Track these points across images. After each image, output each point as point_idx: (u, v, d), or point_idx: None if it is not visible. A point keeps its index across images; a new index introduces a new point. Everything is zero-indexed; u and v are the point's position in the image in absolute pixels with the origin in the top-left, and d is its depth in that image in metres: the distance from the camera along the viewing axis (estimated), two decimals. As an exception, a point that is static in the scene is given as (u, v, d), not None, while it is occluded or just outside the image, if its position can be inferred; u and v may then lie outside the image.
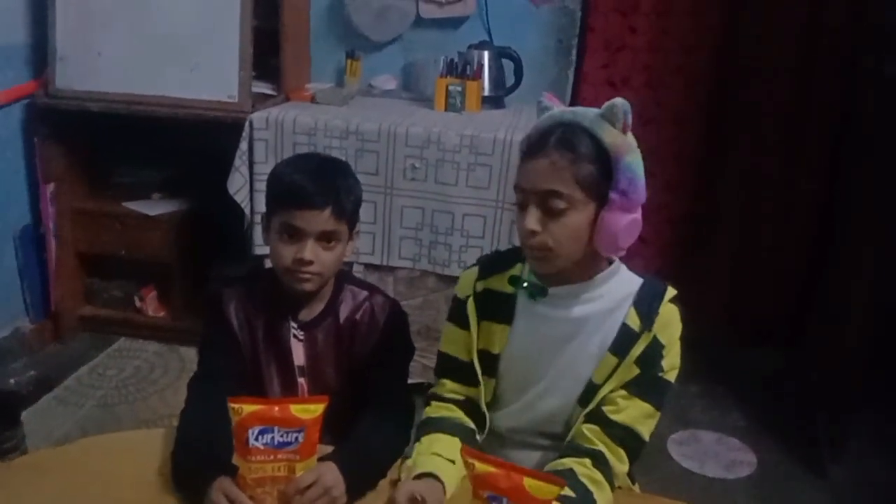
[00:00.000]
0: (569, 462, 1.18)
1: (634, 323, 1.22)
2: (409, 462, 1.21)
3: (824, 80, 2.99)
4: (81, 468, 1.21)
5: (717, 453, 2.56)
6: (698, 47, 3.04)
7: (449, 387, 1.34)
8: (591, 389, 1.24)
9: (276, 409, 1.09)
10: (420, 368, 2.24)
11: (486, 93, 2.83)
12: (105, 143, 3.04)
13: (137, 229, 2.94)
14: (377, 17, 3.04)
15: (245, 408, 1.08)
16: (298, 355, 1.43)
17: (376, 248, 2.59)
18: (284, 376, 1.43)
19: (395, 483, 1.18)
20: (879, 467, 2.13)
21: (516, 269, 1.31)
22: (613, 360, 1.22)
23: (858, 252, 2.59)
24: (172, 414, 2.45)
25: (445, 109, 2.74)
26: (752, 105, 3.07)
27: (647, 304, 1.22)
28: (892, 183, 2.33)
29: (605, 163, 1.16)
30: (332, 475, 1.12)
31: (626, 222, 1.17)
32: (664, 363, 1.23)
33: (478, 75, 2.78)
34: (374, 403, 1.35)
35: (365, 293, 1.46)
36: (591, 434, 1.21)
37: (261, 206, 2.57)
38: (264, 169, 2.54)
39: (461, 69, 2.76)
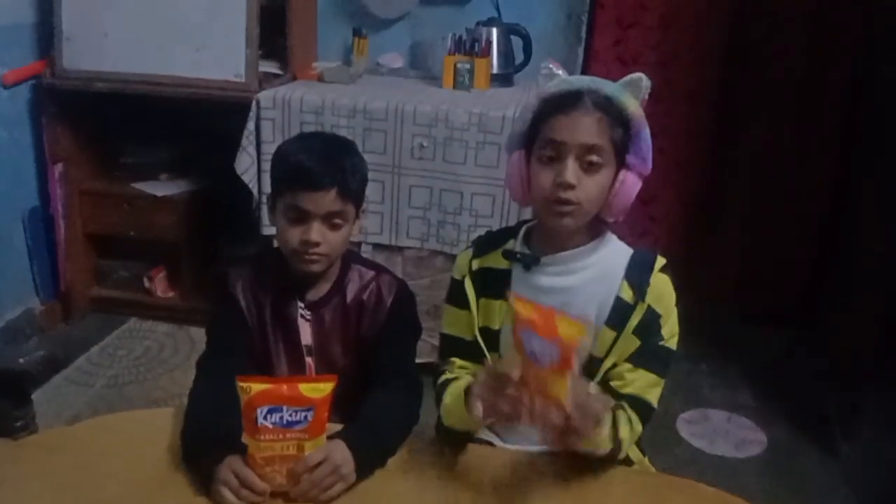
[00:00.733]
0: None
1: (627, 295, 1.23)
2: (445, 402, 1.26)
3: (837, 57, 2.95)
4: (92, 447, 1.22)
5: (727, 432, 2.56)
6: (710, 24, 3.00)
7: (458, 364, 1.35)
8: (593, 363, 1.25)
9: (285, 387, 1.09)
10: (428, 348, 2.24)
11: (495, 70, 2.81)
12: (112, 124, 3.03)
13: (146, 210, 2.94)
14: (384, -5, 3.01)
15: (254, 387, 1.08)
16: (306, 335, 1.43)
17: (384, 228, 2.58)
18: (292, 356, 1.43)
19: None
20: (891, 446, 2.12)
21: (509, 245, 1.33)
22: (611, 333, 1.23)
23: (871, 231, 2.57)
24: (182, 393, 2.44)
25: (454, 87, 2.71)
26: (764, 83, 3.03)
27: (637, 276, 1.24)
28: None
29: (627, 129, 1.20)
30: (340, 453, 1.12)
31: (637, 188, 1.21)
32: (664, 331, 1.24)
33: (486, 53, 2.75)
34: (382, 382, 1.34)
35: (372, 273, 1.46)
36: None
37: (269, 187, 2.55)
38: (271, 149, 2.51)
39: (469, 46, 2.73)
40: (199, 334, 2.85)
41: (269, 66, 2.79)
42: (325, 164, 1.32)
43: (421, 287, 2.53)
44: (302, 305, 1.42)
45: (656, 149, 1.24)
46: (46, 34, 2.73)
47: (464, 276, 1.33)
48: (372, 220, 2.53)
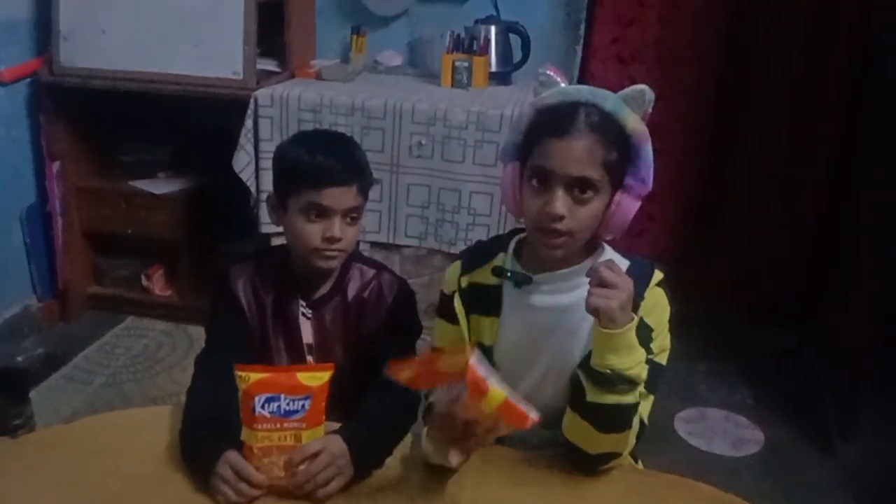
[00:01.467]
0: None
1: None
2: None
3: (837, 54, 2.96)
4: (90, 445, 1.22)
5: (724, 431, 2.56)
6: (709, 23, 3.01)
7: None
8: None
9: (283, 376, 1.11)
10: (427, 347, 2.24)
11: (493, 69, 2.81)
12: (110, 121, 3.02)
13: (143, 208, 2.93)
14: (382, -8, 3.01)
15: (252, 375, 1.09)
16: (307, 333, 1.43)
17: (382, 226, 2.58)
18: (293, 354, 1.43)
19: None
20: (889, 445, 2.13)
21: (499, 260, 1.29)
22: None
23: (869, 229, 2.57)
24: (180, 391, 2.44)
25: (452, 86, 2.71)
26: (764, 81, 3.03)
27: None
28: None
29: (625, 148, 1.15)
30: (338, 447, 1.12)
31: (636, 209, 1.17)
32: (653, 346, 1.21)
33: (484, 51, 2.75)
34: (381, 381, 1.34)
35: (373, 271, 1.46)
36: None
37: (267, 185, 2.55)
38: (270, 146, 2.53)
39: (468, 45, 2.73)
40: (196, 332, 2.86)
41: (267, 64, 2.79)
42: (344, 160, 1.34)
43: (419, 285, 2.51)
44: (303, 304, 1.42)
45: (654, 148, 1.18)
46: (44, 31, 2.73)
47: (453, 292, 1.31)
48: (370, 218, 2.53)
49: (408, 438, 1.25)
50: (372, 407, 1.26)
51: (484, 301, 1.29)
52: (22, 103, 2.79)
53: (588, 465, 1.19)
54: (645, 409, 1.22)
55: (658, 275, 1.23)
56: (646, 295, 1.20)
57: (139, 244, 3.05)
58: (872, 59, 2.77)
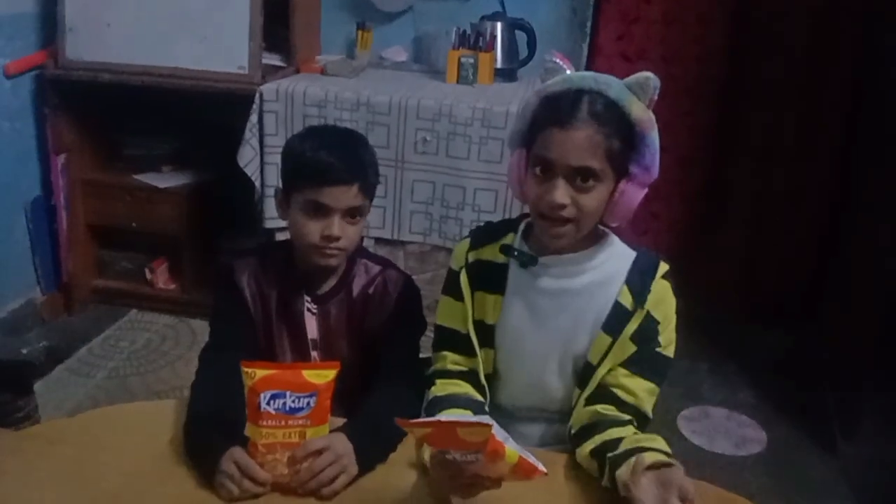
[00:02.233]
0: (616, 433, 1.16)
1: (627, 301, 1.21)
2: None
3: (840, 54, 2.95)
4: (93, 438, 1.22)
5: (727, 430, 2.56)
6: (714, 20, 3.00)
7: (451, 359, 1.34)
8: (587, 370, 1.24)
9: (289, 373, 1.10)
10: (431, 343, 2.24)
11: (499, 65, 2.80)
12: (115, 115, 3.03)
13: (148, 202, 2.94)
14: (388, -12, 3.00)
15: (258, 372, 1.09)
16: (312, 329, 1.43)
17: (387, 222, 2.58)
18: (297, 349, 1.43)
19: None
20: (891, 444, 2.13)
21: (508, 239, 1.30)
22: (607, 339, 1.21)
23: (871, 230, 2.56)
24: (184, 385, 2.47)
25: (457, 82, 2.70)
26: (768, 80, 3.03)
27: (639, 281, 1.21)
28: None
29: (629, 136, 1.15)
30: (342, 444, 1.12)
31: (641, 196, 1.17)
32: (661, 339, 1.22)
33: (490, 47, 2.74)
34: (385, 377, 1.34)
35: (378, 268, 1.46)
36: (608, 412, 1.21)
37: (271, 180, 2.56)
38: (274, 141, 2.53)
39: (473, 41, 2.72)
40: (200, 326, 2.87)
41: (272, 59, 2.79)
42: (346, 159, 1.32)
43: (423, 282, 2.52)
44: (308, 299, 1.42)
45: (659, 145, 1.18)
46: (49, 25, 2.73)
47: (461, 268, 1.31)
48: (374, 214, 2.53)
49: (410, 437, 1.25)
50: (376, 403, 1.26)
51: (489, 278, 1.30)
52: (27, 96, 2.79)
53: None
54: (652, 403, 1.23)
55: (664, 266, 1.24)
56: (652, 287, 1.21)
57: (143, 238, 3.06)
58: (876, 59, 2.76)
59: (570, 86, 1.17)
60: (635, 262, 1.24)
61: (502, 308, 1.29)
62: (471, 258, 1.31)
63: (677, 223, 3.26)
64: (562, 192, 1.14)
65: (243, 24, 2.59)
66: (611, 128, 1.13)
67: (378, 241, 2.60)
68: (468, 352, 1.31)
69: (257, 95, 2.54)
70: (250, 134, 2.55)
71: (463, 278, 1.30)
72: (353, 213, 1.34)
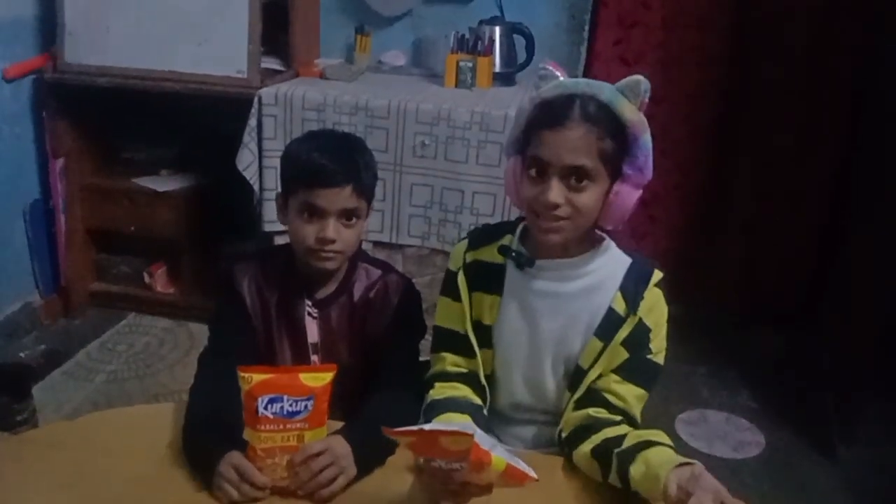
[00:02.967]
0: (614, 431, 1.17)
1: (620, 307, 1.23)
2: None
3: (840, 58, 2.95)
4: (92, 442, 1.22)
5: (725, 433, 2.56)
6: (712, 24, 3.00)
7: (450, 360, 1.34)
8: (578, 374, 1.25)
9: (286, 377, 1.11)
10: (428, 353, 2.24)
11: (497, 69, 2.81)
12: (114, 119, 3.03)
13: (146, 205, 2.94)
14: (387, -8, 3.00)
15: (255, 376, 1.09)
16: (312, 333, 1.43)
17: (385, 226, 2.58)
18: (297, 353, 1.43)
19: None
20: (889, 449, 2.13)
21: (506, 240, 1.31)
22: (599, 344, 1.23)
23: (872, 233, 2.56)
24: (182, 389, 2.46)
25: (456, 86, 2.71)
26: (766, 83, 3.03)
27: (633, 288, 1.23)
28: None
29: (621, 137, 1.16)
30: (341, 447, 1.13)
31: (636, 198, 1.18)
32: (652, 346, 1.24)
33: (489, 51, 2.75)
34: (385, 381, 1.34)
35: (379, 272, 1.46)
36: (600, 415, 1.22)
37: (270, 183, 2.56)
38: (273, 145, 2.53)
39: (472, 45, 2.73)
40: (198, 330, 2.86)
41: (271, 63, 2.79)
42: (340, 161, 1.33)
43: (421, 285, 2.50)
44: (309, 303, 1.42)
45: (657, 150, 1.20)
46: (48, 29, 2.73)
47: (458, 268, 1.32)
48: (373, 217, 2.51)
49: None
50: (375, 407, 1.26)
51: (487, 278, 1.30)
52: (26, 100, 2.80)
53: None
54: (640, 409, 1.25)
55: (657, 274, 1.25)
56: (645, 295, 1.22)
57: (142, 242, 3.06)
58: (876, 61, 2.77)
59: (563, 91, 1.19)
60: (630, 269, 1.25)
61: (499, 309, 1.30)
62: (468, 259, 1.32)
63: (676, 227, 3.26)
64: (556, 192, 1.15)
65: (242, 28, 2.60)
66: (603, 129, 1.15)
67: (376, 244, 2.60)
68: (467, 353, 1.32)
69: (256, 99, 2.54)
70: (249, 138, 2.56)
71: (461, 279, 1.31)
72: (349, 216, 1.34)
